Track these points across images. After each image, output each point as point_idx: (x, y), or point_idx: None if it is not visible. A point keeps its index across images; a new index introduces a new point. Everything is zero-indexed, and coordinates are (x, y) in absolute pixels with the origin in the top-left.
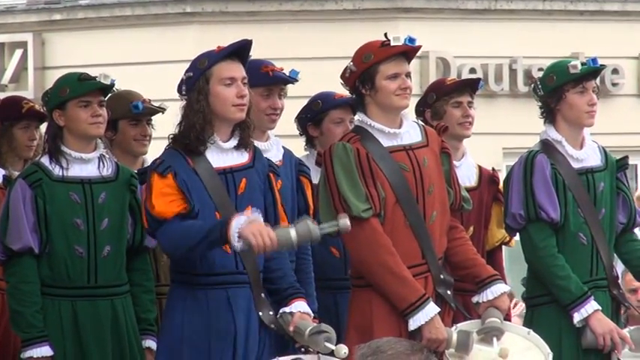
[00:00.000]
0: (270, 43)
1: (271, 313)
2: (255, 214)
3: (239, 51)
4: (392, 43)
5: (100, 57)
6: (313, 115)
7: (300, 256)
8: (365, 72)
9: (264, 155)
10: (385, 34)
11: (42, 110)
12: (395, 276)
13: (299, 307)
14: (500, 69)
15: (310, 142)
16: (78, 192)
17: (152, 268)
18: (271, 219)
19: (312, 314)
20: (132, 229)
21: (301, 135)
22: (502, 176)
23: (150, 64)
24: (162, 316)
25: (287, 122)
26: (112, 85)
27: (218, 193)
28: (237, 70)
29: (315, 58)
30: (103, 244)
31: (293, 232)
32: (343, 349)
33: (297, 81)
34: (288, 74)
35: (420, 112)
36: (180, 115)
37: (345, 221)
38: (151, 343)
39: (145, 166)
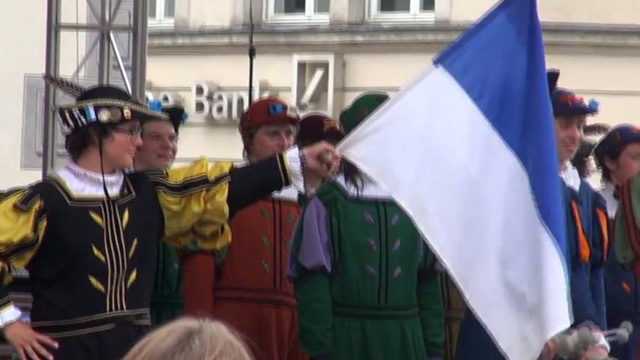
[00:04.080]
0: (570, 75)
1: None
2: None
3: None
4: None
5: (400, 81)
6: (611, 148)
7: (592, 289)
8: None
9: None
10: None
11: (341, 130)
12: None
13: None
14: None
15: (607, 175)
16: (372, 212)
17: (442, 292)
18: (572, 249)
19: (608, 347)
20: (423, 252)
21: (598, 167)
22: None
23: None
24: (460, 340)
25: None
26: None
27: None
28: None
29: (616, 93)
30: (395, 265)
31: (571, 344)
32: None
33: (596, 112)
34: (587, 105)
35: None
36: None
37: (623, 335)
38: None
39: None
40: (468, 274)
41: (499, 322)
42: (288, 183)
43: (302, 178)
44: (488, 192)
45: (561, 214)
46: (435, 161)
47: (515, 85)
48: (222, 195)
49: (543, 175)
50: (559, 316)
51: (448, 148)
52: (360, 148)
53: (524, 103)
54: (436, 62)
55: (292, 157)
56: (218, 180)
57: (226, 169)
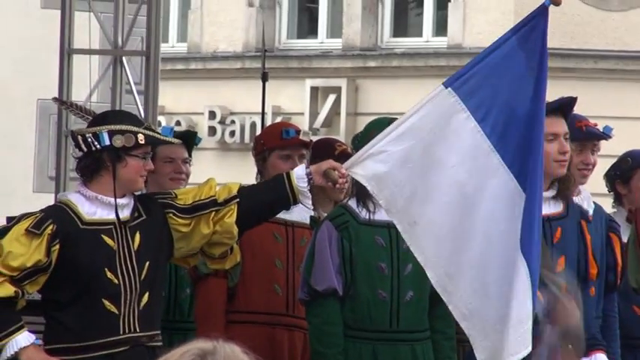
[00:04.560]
0: (583, 100)
1: None
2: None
3: (562, 107)
4: None
5: (412, 105)
6: (622, 173)
7: (606, 313)
8: None
9: None
10: None
11: (353, 153)
12: None
13: (597, 359)
14: None
15: (618, 200)
16: (383, 236)
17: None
18: (582, 268)
19: None
20: None
21: (610, 192)
22: None
23: None
24: None
25: (597, 180)
26: None
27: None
28: (560, 126)
29: (628, 118)
30: (406, 289)
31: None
32: None
33: (610, 137)
34: (601, 130)
35: None
36: None
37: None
38: None
39: None
40: (452, 287)
41: (479, 334)
42: (296, 201)
43: (310, 195)
44: (482, 211)
45: (539, 243)
46: (432, 177)
47: (519, 110)
48: (231, 217)
49: (528, 202)
50: (523, 342)
51: (446, 165)
52: (365, 166)
53: (525, 127)
54: (446, 84)
55: (299, 175)
56: (227, 202)
57: (235, 191)
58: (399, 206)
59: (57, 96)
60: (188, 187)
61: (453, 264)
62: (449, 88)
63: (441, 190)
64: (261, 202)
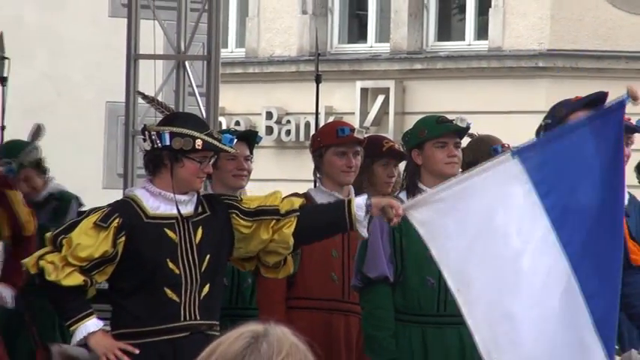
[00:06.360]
0: (615, 98)
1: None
2: None
3: (595, 102)
4: None
5: (456, 105)
6: None
7: None
8: None
9: None
10: None
11: (401, 149)
12: None
13: None
14: None
15: None
16: None
17: None
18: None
19: None
20: None
21: None
22: None
23: (502, 113)
24: None
25: (627, 172)
26: (468, 128)
27: None
28: None
29: None
30: None
31: None
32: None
33: None
34: (634, 124)
35: None
36: None
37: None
38: None
39: None
40: (496, 355)
41: None
42: (352, 228)
43: (366, 224)
44: (532, 286)
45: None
46: (488, 244)
47: (583, 197)
48: (289, 228)
49: (607, 293)
50: None
51: (504, 234)
52: (422, 211)
53: (590, 217)
54: (514, 153)
55: (359, 204)
56: (288, 213)
57: (297, 205)
58: (453, 264)
59: (124, 100)
60: (249, 184)
61: (503, 336)
62: (516, 158)
63: (497, 259)
64: (320, 221)
